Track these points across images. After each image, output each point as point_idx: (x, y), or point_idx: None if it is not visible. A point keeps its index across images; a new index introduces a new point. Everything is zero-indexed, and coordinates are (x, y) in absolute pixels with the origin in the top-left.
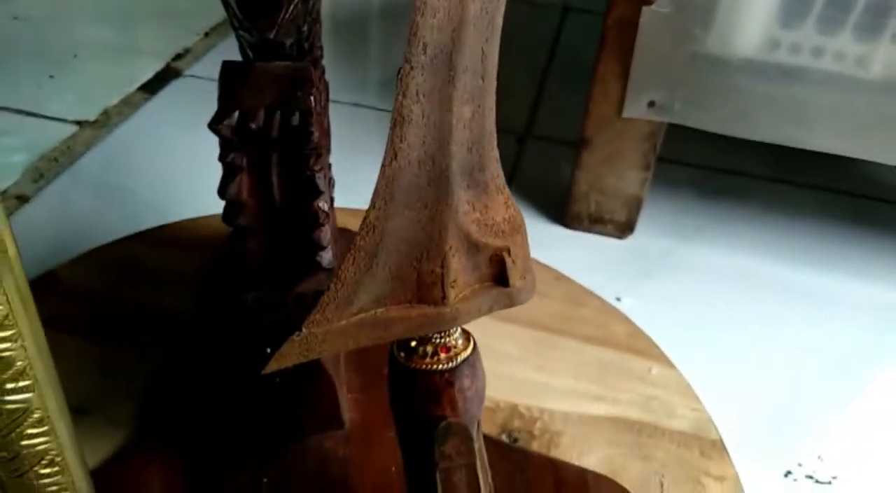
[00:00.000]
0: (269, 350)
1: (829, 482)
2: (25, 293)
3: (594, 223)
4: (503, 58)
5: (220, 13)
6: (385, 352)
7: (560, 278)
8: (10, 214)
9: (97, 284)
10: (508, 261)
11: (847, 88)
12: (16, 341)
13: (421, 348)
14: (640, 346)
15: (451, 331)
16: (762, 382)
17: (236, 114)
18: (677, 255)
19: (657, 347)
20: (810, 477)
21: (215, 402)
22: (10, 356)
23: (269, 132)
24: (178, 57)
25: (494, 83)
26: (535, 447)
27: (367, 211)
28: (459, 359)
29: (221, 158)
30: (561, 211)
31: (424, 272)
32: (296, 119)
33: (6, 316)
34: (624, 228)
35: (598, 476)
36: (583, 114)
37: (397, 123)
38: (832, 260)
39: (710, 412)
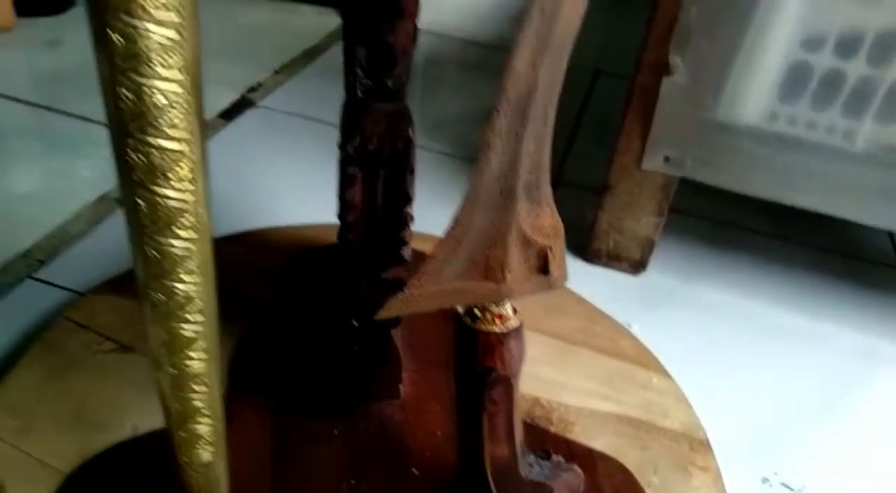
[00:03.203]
0: (355, 322)
1: (801, 490)
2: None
3: (612, 259)
4: None
5: (289, 53)
6: (431, 343)
7: (580, 300)
8: (107, 216)
9: None
10: (550, 256)
11: (836, 158)
12: None
13: (482, 314)
14: (644, 359)
15: (506, 304)
16: (748, 401)
17: (358, 138)
18: (682, 292)
19: (658, 361)
20: (784, 485)
21: (296, 363)
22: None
23: (381, 153)
24: (251, 89)
25: (552, 128)
26: (552, 431)
27: (458, 210)
28: (510, 326)
29: (342, 169)
30: (583, 247)
31: (491, 258)
32: (400, 145)
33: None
34: (637, 266)
35: (603, 455)
36: (607, 163)
37: (485, 150)
38: (819, 307)
39: (700, 419)
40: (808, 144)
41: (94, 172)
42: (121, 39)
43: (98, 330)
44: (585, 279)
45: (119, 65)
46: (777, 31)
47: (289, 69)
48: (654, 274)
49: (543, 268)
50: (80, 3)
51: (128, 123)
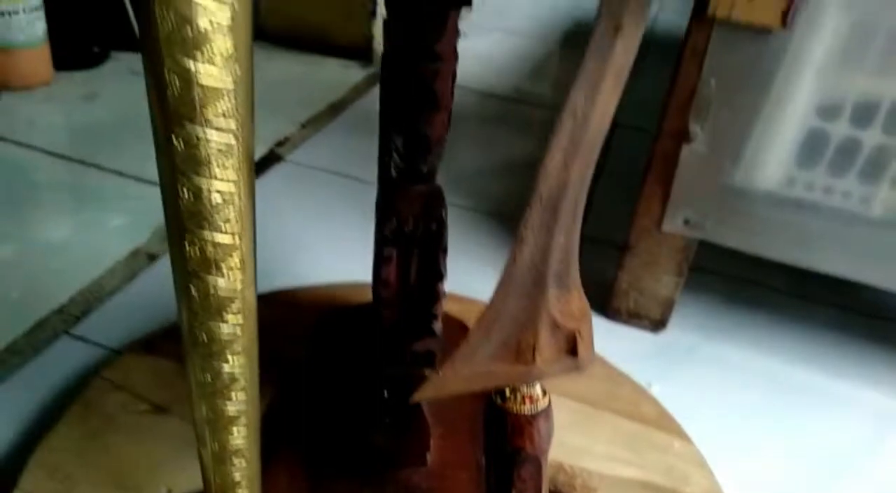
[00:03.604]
0: (385, 393)
1: None
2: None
3: (632, 317)
4: None
5: (315, 106)
6: (459, 411)
7: (603, 362)
8: (140, 270)
9: None
10: (579, 338)
11: (853, 222)
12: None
13: (512, 396)
14: (666, 424)
15: (535, 385)
16: (768, 462)
17: (395, 220)
18: (702, 351)
19: (680, 426)
20: None
21: (327, 428)
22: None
23: (415, 234)
24: (279, 144)
25: (581, 220)
26: None
27: (492, 297)
28: (539, 407)
29: (378, 248)
30: (604, 304)
31: (522, 342)
32: (434, 226)
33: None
34: (658, 324)
35: None
36: (628, 224)
37: (518, 242)
38: (838, 367)
39: (720, 483)
40: (825, 208)
41: (127, 226)
42: (183, 144)
43: (133, 390)
44: (606, 336)
45: (180, 167)
46: (794, 100)
47: (315, 123)
48: (675, 331)
49: (572, 350)
50: (114, 58)
51: (185, 220)
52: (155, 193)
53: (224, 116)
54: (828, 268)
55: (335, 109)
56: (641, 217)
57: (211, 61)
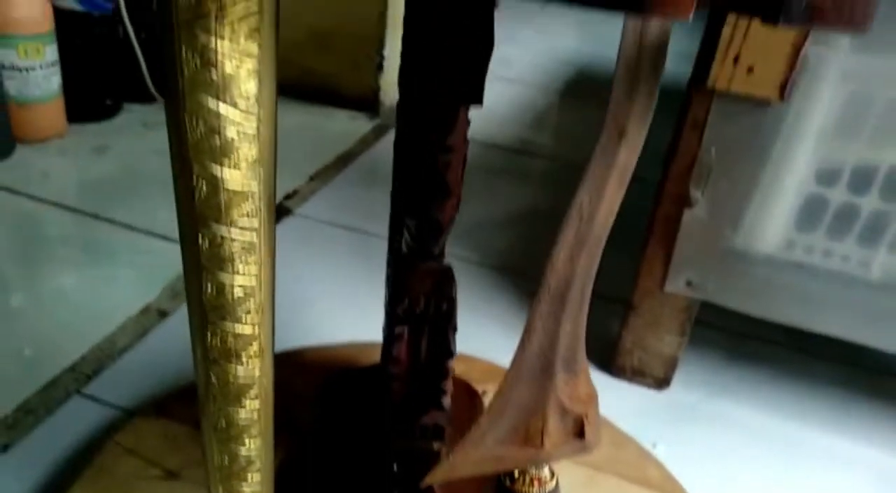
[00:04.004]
0: (395, 467)
1: None
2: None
3: (636, 375)
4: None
5: (323, 158)
6: (466, 486)
7: (607, 423)
8: (151, 328)
9: None
10: (586, 422)
11: (852, 285)
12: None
13: (521, 478)
14: (670, 487)
15: (543, 467)
16: None
17: (406, 300)
18: (706, 408)
19: (684, 489)
20: None
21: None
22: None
23: (426, 314)
24: (288, 197)
25: (587, 308)
26: None
27: (501, 384)
28: (547, 489)
29: (389, 327)
30: (608, 362)
31: (531, 426)
32: (444, 306)
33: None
34: (661, 383)
35: None
36: (632, 285)
37: (527, 331)
38: (842, 424)
39: None
40: (824, 271)
41: (138, 282)
42: (208, 243)
43: (146, 455)
44: (611, 394)
45: (205, 264)
46: (792, 168)
47: (323, 175)
48: (678, 389)
49: (579, 433)
50: (127, 110)
51: (209, 312)
52: (165, 248)
53: (248, 215)
54: (828, 330)
55: (343, 161)
56: (644, 278)
57: (237, 167)
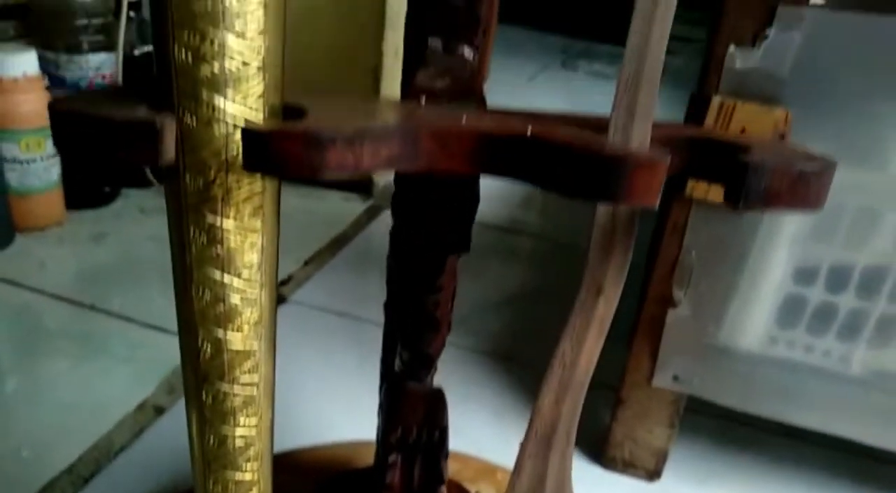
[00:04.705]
0: None
1: None
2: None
3: (627, 467)
4: (550, 324)
5: (317, 242)
6: None
7: None
8: (148, 425)
9: None
10: None
11: (833, 380)
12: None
13: None
14: None
15: None
16: None
17: (400, 430)
18: None
19: None
20: None
21: None
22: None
23: (419, 442)
24: (283, 283)
25: (573, 444)
26: None
27: None
28: None
29: (383, 456)
30: (599, 453)
31: None
32: (437, 434)
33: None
34: (652, 474)
35: None
36: (620, 379)
37: (516, 470)
38: None
39: None
40: (806, 366)
41: (134, 376)
42: (211, 399)
43: None
44: (603, 486)
45: (207, 417)
46: (770, 269)
47: (318, 260)
48: (670, 479)
49: None
50: (124, 195)
51: (210, 462)
52: (160, 340)
53: (249, 372)
54: (811, 424)
55: (337, 244)
56: (632, 373)
57: (240, 329)
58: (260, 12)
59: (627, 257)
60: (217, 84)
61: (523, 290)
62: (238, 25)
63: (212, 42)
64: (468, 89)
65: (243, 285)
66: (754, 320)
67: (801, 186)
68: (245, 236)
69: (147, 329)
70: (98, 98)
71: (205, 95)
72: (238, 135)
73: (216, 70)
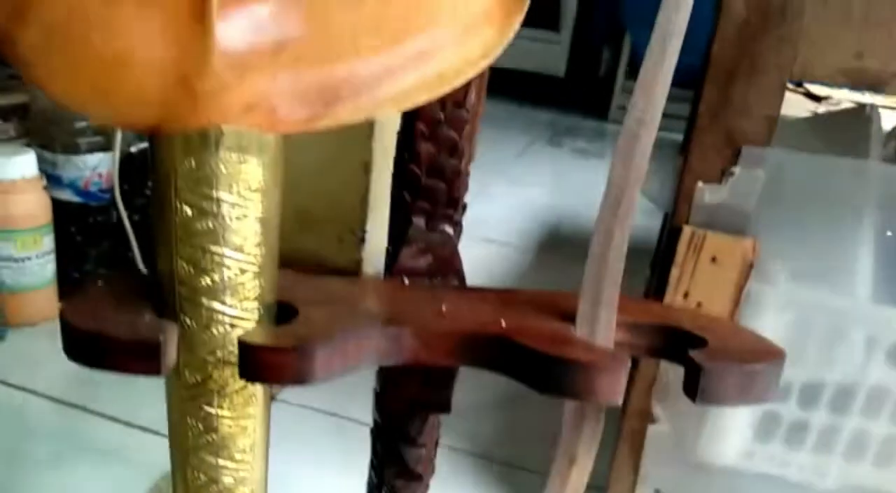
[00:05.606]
0: None
1: None
2: None
3: None
4: None
5: None
6: None
7: None
8: None
9: None
10: None
11: None
12: None
13: None
14: None
15: None
16: None
17: None
18: None
19: None
20: None
21: None
22: None
23: None
24: None
25: None
26: None
27: None
28: None
29: None
30: None
31: None
32: None
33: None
34: None
35: None
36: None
37: None
38: None
39: None
40: (783, 481)
41: (124, 481)
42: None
43: None
44: None
45: None
46: None
47: None
48: None
49: None
50: None
51: None
52: (149, 442)
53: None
54: None
55: None
56: (615, 485)
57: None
58: (257, 227)
59: (598, 427)
60: (216, 292)
61: (517, 393)
62: (237, 240)
63: (212, 256)
64: (448, 267)
65: (236, 465)
66: (732, 436)
67: (750, 384)
68: (239, 423)
69: (136, 431)
70: (105, 297)
71: (204, 301)
72: (234, 334)
73: (216, 279)
